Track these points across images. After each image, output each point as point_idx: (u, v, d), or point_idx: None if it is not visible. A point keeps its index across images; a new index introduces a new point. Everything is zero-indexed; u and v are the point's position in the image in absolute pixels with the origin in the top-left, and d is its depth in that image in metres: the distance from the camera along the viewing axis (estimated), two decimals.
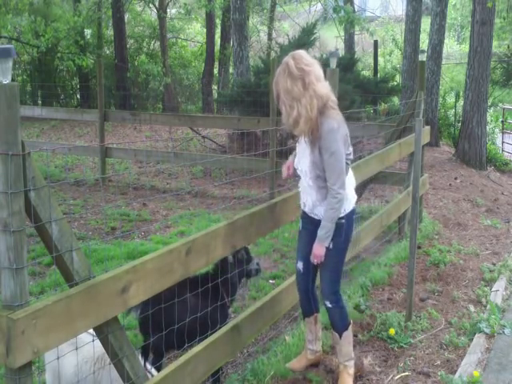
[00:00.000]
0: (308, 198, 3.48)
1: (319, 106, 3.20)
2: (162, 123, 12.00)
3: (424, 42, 16.46)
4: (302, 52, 3.30)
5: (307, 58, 3.24)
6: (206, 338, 3.27)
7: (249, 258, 3.92)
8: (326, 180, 3.32)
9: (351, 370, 3.66)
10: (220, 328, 3.38)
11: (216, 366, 3.31)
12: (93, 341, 2.66)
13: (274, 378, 3.69)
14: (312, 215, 3.52)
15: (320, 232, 3.38)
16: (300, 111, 3.18)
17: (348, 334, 3.65)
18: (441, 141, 12.47)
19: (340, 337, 3.64)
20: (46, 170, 8.50)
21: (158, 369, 3.33)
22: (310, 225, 3.55)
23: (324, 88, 3.24)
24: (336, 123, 3.26)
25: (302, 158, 3.41)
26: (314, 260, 3.43)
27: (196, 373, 3.00)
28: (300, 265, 3.67)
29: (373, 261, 5.88)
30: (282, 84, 3.20)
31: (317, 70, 3.24)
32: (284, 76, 3.20)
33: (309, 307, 3.76)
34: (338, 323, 3.64)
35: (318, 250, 3.40)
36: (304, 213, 3.61)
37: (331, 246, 3.44)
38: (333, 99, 3.31)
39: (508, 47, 24.80)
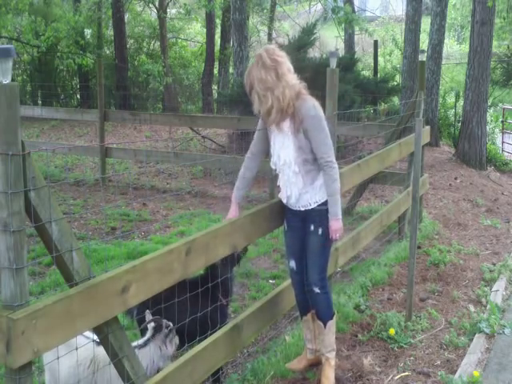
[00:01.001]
0: (293, 188, 3.49)
1: (292, 96, 3.33)
2: (162, 123, 12.00)
3: (424, 42, 16.44)
4: (273, 46, 3.47)
5: (279, 51, 3.40)
6: (205, 337, 3.27)
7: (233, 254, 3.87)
8: (313, 161, 3.41)
9: (333, 362, 3.66)
10: (219, 327, 3.38)
11: (216, 366, 3.31)
12: (93, 341, 2.67)
13: (273, 378, 3.69)
14: (297, 208, 3.54)
15: (332, 208, 3.43)
16: (273, 101, 3.31)
17: (332, 324, 3.66)
18: (441, 141, 12.47)
19: (324, 326, 3.64)
20: (45, 170, 8.50)
21: None
22: (296, 221, 3.58)
23: (295, 79, 3.40)
24: (314, 102, 3.40)
25: (282, 150, 3.44)
26: (337, 235, 3.46)
27: (196, 373, 3.00)
28: (292, 263, 3.68)
29: (373, 261, 5.88)
30: (256, 74, 3.31)
31: (288, 62, 3.40)
32: (258, 67, 3.32)
33: (305, 304, 3.75)
34: (324, 311, 3.64)
35: (337, 225, 3.44)
36: (287, 210, 3.62)
37: (320, 232, 3.49)
38: (304, 90, 3.43)
39: (508, 47, 24.80)
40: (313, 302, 3.66)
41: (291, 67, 3.41)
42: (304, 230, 3.55)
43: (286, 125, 3.40)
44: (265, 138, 3.61)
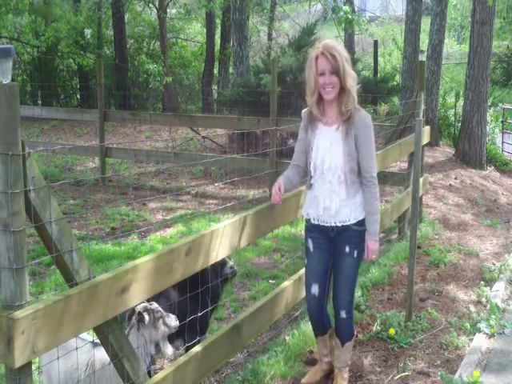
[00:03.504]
0: (334, 198, 3.27)
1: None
2: (161, 123, 12.00)
3: (424, 41, 16.43)
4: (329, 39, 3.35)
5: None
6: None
7: (223, 262, 3.80)
8: (358, 174, 3.26)
9: (346, 375, 3.62)
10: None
11: (216, 366, 3.31)
12: (93, 340, 2.67)
13: (273, 378, 3.69)
14: (331, 224, 3.32)
15: (371, 227, 3.28)
16: (353, 93, 3.23)
17: (350, 345, 3.59)
18: (441, 141, 12.46)
19: (342, 345, 3.57)
20: (45, 170, 8.50)
21: None
22: (324, 243, 3.39)
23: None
24: (365, 111, 3.32)
25: (328, 154, 3.25)
26: (373, 257, 3.33)
27: (196, 373, 3.00)
28: (315, 288, 3.45)
29: (373, 261, 5.87)
30: (344, 54, 3.20)
31: None
32: (342, 61, 3.18)
33: (323, 327, 3.64)
34: (346, 333, 3.56)
35: (374, 246, 3.30)
36: (315, 229, 3.40)
37: (355, 254, 3.34)
38: None
39: (508, 47, 24.79)
40: (337, 324, 3.55)
41: None
42: (332, 252, 3.38)
43: (338, 128, 3.26)
44: (305, 149, 3.41)
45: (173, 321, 3.13)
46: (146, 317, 3.01)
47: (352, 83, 3.20)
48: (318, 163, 3.29)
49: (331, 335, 3.68)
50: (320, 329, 3.65)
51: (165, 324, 3.10)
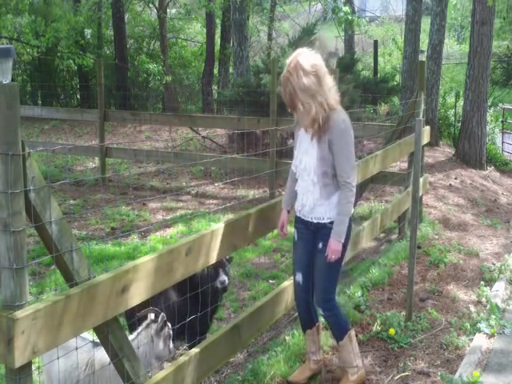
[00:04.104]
0: (309, 197, 3.37)
1: (335, 99, 3.21)
2: (161, 123, 11.99)
3: (424, 41, 16.45)
4: (305, 49, 3.26)
5: (313, 54, 3.21)
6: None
7: (215, 274, 3.76)
8: (333, 177, 3.27)
9: (352, 377, 3.59)
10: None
11: (216, 366, 3.31)
12: (92, 341, 2.67)
13: (273, 378, 3.69)
14: (309, 219, 3.42)
15: (336, 227, 3.29)
16: (317, 109, 3.15)
17: (344, 344, 3.56)
18: (441, 141, 12.46)
19: (338, 344, 3.60)
20: (45, 170, 8.50)
21: None
22: (306, 233, 3.47)
23: (332, 82, 3.25)
24: (345, 116, 3.27)
25: (305, 156, 3.33)
26: (332, 256, 3.29)
27: (196, 373, 3.00)
28: (299, 277, 3.55)
29: (373, 261, 5.88)
30: (297, 84, 3.10)
31: (323, 63, 3.23)
32: (298, 75, 3.10)
33: (309, 319, 3.67)
34: (335, 332, 3.60)
35: (336, 246, 3.28)
36: (299, 220, 3.51)
37: (327, 252, 3.36)
38: (336, 96, 3.31)
39: (508, 47, 24.80)
40: (325, 320, 3.59)
41: (326, 69, 3.24)
42: (313, 245, 3.43)
43: (313, 133, 3.27)
44: None
45: (172, 349, 3.18)
46: (166, 329, 3.05)
47: (306, 99, 3.12)
48: (297, 163, 3.41)
49: (319, 331, 3.72)
50: (307, 321, 3.68)
51: (168, 346, 3.14)
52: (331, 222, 3.34)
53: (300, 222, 3.51)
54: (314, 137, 3.27)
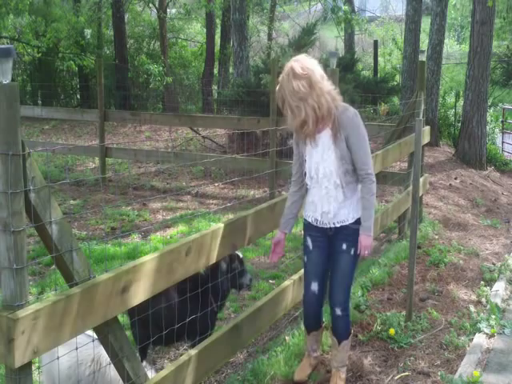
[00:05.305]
0: (333, 203, 3.31)
1: (330, 103, 3.19)
2: (161, 123, 12.00)
3: (424, 41, 16.45)
4: (302, 55, 3.28)
5: (309, 59, 3.22)
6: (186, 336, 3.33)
7: (242, 271, 3.86)
8: (353, 173, 3.28)
9: (343, 375, 3.62)
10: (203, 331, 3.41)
11: (216, 366, 3.31)
12: (93, 341, 2.67)
13: (273, 378, 3.69)
14: (331, 225, 3.36)
15: (366, 222, 3.28)
16: (307, 111, 3.13)
17: (347, 343, 3.60)
18: (441, 141, 12.47)
19: (339, 344, 3.59)
20: (45, 170, 8.50)
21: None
22: (323, 241, 3.43)
23: (329, 85, 3.24)
24: (355, 110, 3.28)
25: (321, 163, 3.29)
26: (365, 252, 3.30)
27: (196, 373, 3.00)
28: (315, 286, 3.50)
29: (373, 261, 5.88)
30: (287, 87, 3.13)
31: (320, 68, 3.22)
32: (289, 79, 3.13)
33: (318, 322, 3.68)
34: (342, 331, 3.58)
35: (368, 241, 3.28)
36: (313, 229, 3.44)
37: (352, 252, 3.36)
38: (338, 96, 3.29)
39: (508, 47, 24.79)
40: (333, 322, 3.57)
41: (323, 74, 3.23)
42: (330, 250, 3.41)
43: (326, 134, 3.25)
44: (301, 162, 3.43)
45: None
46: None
47: (296, 102, 3.12)
48: (312, 173, 3.35)
49: (323, 330, 3.75)
50: (314, 325, 3.69)
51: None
52: (354, 222, 3.34)
53: (315, 230, 3.45)
54: (331, 137, 3.24)
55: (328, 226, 3.39)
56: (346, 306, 3.50)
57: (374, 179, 3.30)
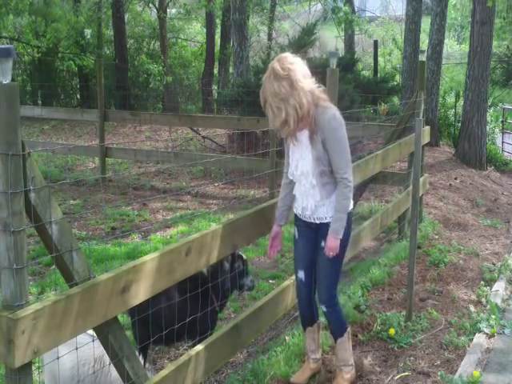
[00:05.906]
0: (310, 200, 3.38)
1: (310, 103, 3.16)
2: (161, 123, 12.00)
3: (424, 41, 16.44)
4: (286, 53, 3.26)
5: (291, 58, 3.19)
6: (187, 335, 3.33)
7: (245, 272, 3.87)
8: (331, 174, 3.28)
9: (347, 376, 3.61)
10: (205, 330, 3.42)
11: (216, 366, 3.31)
12: (93, 341, 2.67)
13: (273, 378, 3.69)
14: (312, 220, 3.44)
15: (334, 224, 3.30)
16: (288, 111, 3.12)
17: (343, 341, 3.59)
18: (441, 141, 12.47)
19: (335, 342, 3.62)
20: (45, 170, 8.50)
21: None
22: (308, 232, 3.50)
23: (312, 84, 3.21)
24: (335, 112, 3.24)
25: (300, 161, 3.34)
26: (330, 253, 3.32)
27: (196, 373, 3.00)
28: (301, 274, 3.58)
29: (373, 261, 5.88)
30: (269, 88, 3.13)
31: (302, 67, 3.18)
32: (270, 79, 3.13)
33: (311, 316, 3.69)
34: (334, 329, 3.61)
35: (334, 243, 3.30)
36: (300, 220, 3.53)
37: None
38: (323, 95, 3.26)
39: (508, 47, 24.79)
40: (325, 317, 3.62)
41: (307, 72, 3.19)
42: (315, 243, 3.46)
43: (305, 134, 3.26)
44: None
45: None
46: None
47: (277, 103, 3.12)
48: (292, 170, 3.41)
49: (319, 328, 3.74)
50: (308, 318, 3.70)
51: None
52: None
53: (301, 221, 3.53)
54: (307, 139, 3.26)
55: (309, 221, 3.46)
56: (331, 302, 3.51)
57: (350, 184, 3.28)
